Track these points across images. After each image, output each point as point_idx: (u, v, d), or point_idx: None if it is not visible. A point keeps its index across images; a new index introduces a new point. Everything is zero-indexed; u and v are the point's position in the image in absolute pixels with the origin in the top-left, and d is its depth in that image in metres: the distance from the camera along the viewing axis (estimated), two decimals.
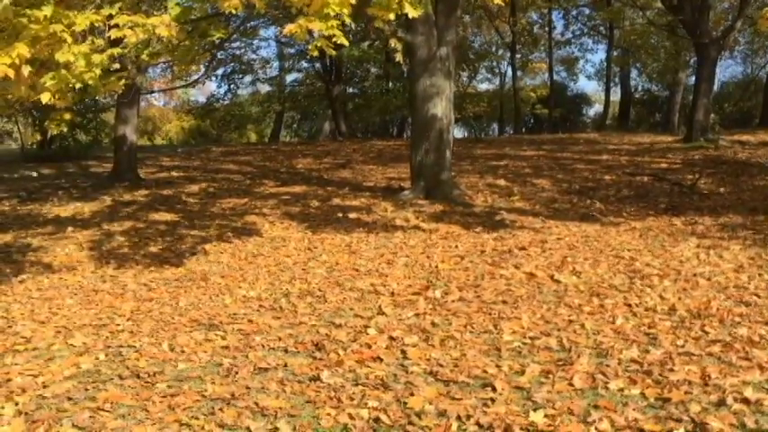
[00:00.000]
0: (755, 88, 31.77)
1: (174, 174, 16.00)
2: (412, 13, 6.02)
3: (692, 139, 16.81)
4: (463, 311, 5.31)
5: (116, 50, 4.96)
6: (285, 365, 4.26)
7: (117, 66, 5.98)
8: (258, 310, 5.64)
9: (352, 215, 10.06)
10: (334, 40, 6.99)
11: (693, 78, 32.97)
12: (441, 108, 11.00)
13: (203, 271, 7.17)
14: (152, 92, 14.24)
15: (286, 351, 4.55)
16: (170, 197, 12.42)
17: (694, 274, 6.16)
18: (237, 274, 6.94)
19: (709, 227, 8.41)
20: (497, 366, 4.10)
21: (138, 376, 4.17)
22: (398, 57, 8.74)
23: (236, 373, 4.14)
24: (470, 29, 29.77)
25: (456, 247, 7.86)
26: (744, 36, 28.47)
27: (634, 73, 33.69)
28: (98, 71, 4.74)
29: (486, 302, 5.56)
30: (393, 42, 8.45)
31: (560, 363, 4.13)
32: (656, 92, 34.71)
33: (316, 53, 6.99)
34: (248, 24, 24.61)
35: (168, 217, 10.52)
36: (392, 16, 6.50)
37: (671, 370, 3.93)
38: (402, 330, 4.86)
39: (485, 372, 4.02)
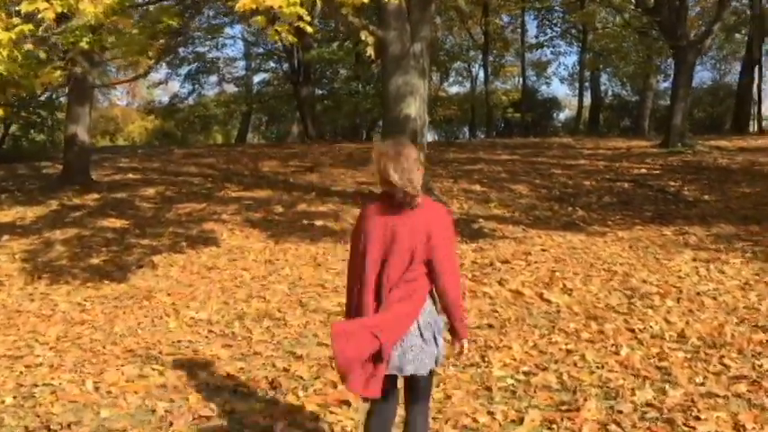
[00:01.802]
0: (724, 94, 31.82)
1: (131, 176, 15.01)
2: None
3: (670, 144, 16.38)
4: (444, 338, 4.59)
5: (26, 27, 4.14)
6: (231, 412, 3.50)
7: (44, 55, 5.15)
8: (207, 337, 4.86)
9: (319, 222, 9.30)
10: (297, 25, 6.29)
11: (663, 83, 33.16)
12: (414, 108, 10.30)
13: (148, 287, 6.35)
14: (103, 86, 13.23)
15: (235, 392, 3.79)
16: (123, 201, 11.50)
17: (698, 293, 5.55)
18: (187, 292, 6.14)
19: (702, 237, 7.84)
20: (489, 413, 3.40)
21: (49, 429, 3.37)
22: (369, 51, 8.01)
23: (171, 424, 3.37)
24: (441, 30, 29.22)
25: None
26: (714, 42, 28.37)
27: (604, 77, 33.55)
28: (5, 52, 3.92)
29: (469, 327, 4.85)
30: (364, 35, 7.72)
31: (564, 407, 3.45)
32: (626, 96, 34.62)
33: (276, 38, 6.27)
34: (210, 20, 23.82)
35: (118, 223, 9.63)
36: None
37: (697, 418, 3.28)
38: None
39: (475, 421, 3.32)
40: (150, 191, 12.65)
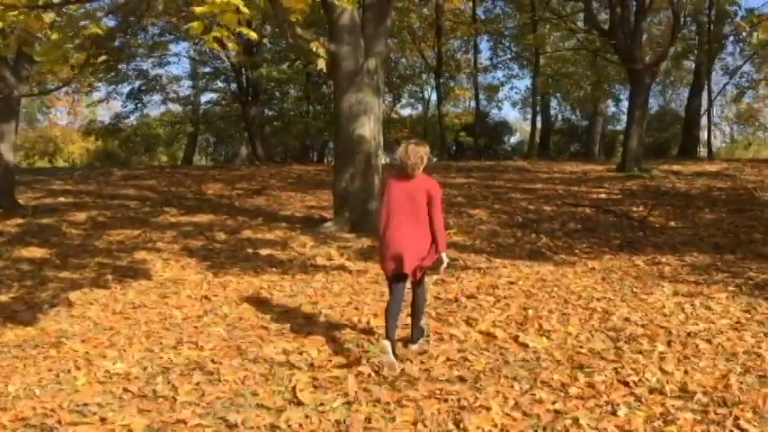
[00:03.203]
0: (671, 119, 32.29)
1: (62, 199, 13.89)
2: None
3: (626, 168, 16.16)
4: (409, 397, 3.87)
5: None
6: None
7: None
8: (121, 398, 4.01)
9: (265, 251, 8.49)
10: (238, 32, 5.57)
11: (612, 108, 33.50)
12: (368, 128, 9.63)
13: (59, 332, 5.42)
14: (23, 95, 12.17)
15: None
16: (48, 227, 10.44)
17: (688, 334, 4.96)
18: (105, 337, 5.24)
19: (677, 268, 7.33)
20: None
21: None
22: (321, 64, 7.32)
23: None
24: (394, 52, 28.84)
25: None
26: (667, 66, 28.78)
27: (554, 102, 33.72)
28: None
29: (438, 380, 4.14)
30: (315, 46, 7.03)
31: None
32: (576, 121, 34.86)
33: (215, 46, 5.53)
34: (155, 37, 22.82)
35: (39, 253, 8.62)
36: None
37: None
38: None
39: None
40: (81, 216, 11.62)
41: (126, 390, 4.12)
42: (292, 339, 5.09)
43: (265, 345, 4.96)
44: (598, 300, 6.01)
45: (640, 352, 4.59)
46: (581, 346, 4.72)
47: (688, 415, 3.53)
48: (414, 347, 4.77)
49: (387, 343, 4.39)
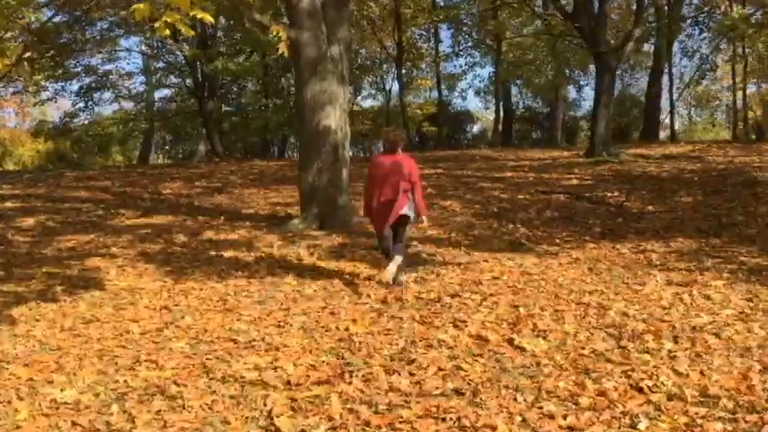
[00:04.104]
0: (630, 104, 32.41)
1: (9, 204, 13.05)
2: None
3: (595, 153, 15.96)
4: (402, 419, 3.41)
5: None
6: None
7: None
8: None
9: (229, 253, 7.93)
10: (193, 15, 5.03)
11: (572, 94, 33.50)
12: (334, 119, 9.12)
13: None
14: None
15: None
16: None
17: (693, 328, 4.62)
18: (52, 359, 4.65)
19: (664, 254, 7.03)
20: None
21: None
22: (282, 48, 6.79)
23: None
24: (354, 43, 28.27)
25: (368, 296, 5.95)
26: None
27: (515, 90, 33.54)
28: None
29: (432, 395, 3.69)
30: (275, 30, 6.50)
31: None
32: (537, 108, 34.78)
33: (167, 33, 4.97)
34: (103, 32, 21.84)
35: None
36: None
37: None
38: None
39: None
40: (29, 221, 10.88)
41: (75, 423, 3.58)
42: (264, 352, 4.59)
43: (234, 360, 4.44)
44: (590, 293, 5.64)
45: (647, 351, 4.21)
46: (582, 347, 4.33)
47: (718, 425, 3.16)
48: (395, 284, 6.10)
49: (390, 269, 5.99)
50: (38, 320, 5.62)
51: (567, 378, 3.83)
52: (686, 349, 4.23)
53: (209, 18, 5.02)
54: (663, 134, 27.48)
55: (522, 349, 4.35)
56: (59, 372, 4.41)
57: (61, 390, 4.08)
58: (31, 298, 6.29)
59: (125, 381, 4.19)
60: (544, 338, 4.54)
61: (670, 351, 4.19)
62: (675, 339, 4.40)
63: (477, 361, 4.18)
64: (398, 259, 5.98)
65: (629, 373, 3.86)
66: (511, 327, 4.82)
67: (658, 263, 6.69)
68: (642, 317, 4.91)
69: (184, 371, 4.32)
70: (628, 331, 4.58)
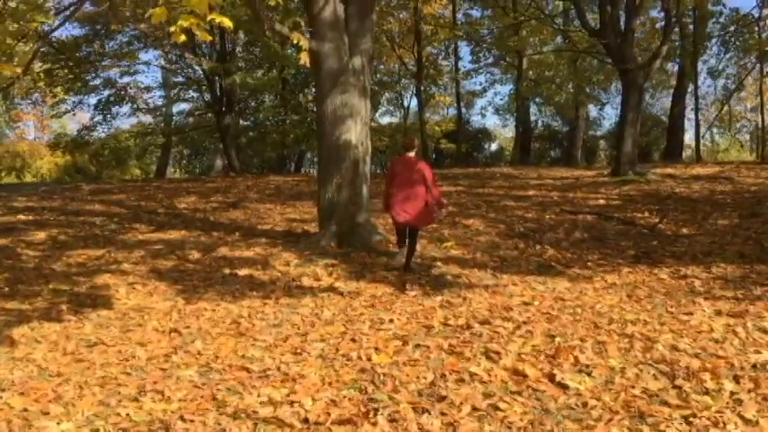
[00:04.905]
0: (652, 124, 31.88)
1: (22, 217, 12.82)
2: None
3: (620, 172, 15.49)
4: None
5: None
6: None
7: None
8: None
9: (243, 272, 7.57)
10: (211, 20, 4.71)
11: (593, 113, 33.00)
12: (355, 133, 8.78)
13: None
14: None
15: None
16: (1, 249, 9.42)
17: (754, 366, 4.16)
18: (50, 387, 4.29)
19: (708, 281, 6.57)
20: None
21: None
22: (303, 58, 6.47)
23: None
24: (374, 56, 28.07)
25: (390, 321, 5.55)
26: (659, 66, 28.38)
27: (534, 108, 33.13)
28: None
29: None
30: (296, 38, 6.18)
31: None
32: (556, 127, 34.35)
33: (183, 38, 4.65)
34: (123, 46, 21.79)
35: None
36: None
37: None
38: None
39: None
40: (41, 234, 10.61)
41: None
42: (279, 383, 4.19)
43: (247, 392, 4.06)
44: (633, 323, 5.19)
45: (707, 392, 3.77)
46: (632, 386, 3.89)
47: None
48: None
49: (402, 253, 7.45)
50: (39, 342, 5.27)
51: (621, 423, 3.40)
52: (749, 391, 3.78)
53: (227, 22, 4.69)
54: (684, 154, 26.92)
55: (565, 387, 3.92)
56: (57, 402, 4.04)
57: (57, 423, 3.72)
58: (34, 317, 5.95)
59: (127, 414, 3.81)
60: (588, 375, 4.11)
61: (732, 393, 3.74)
62: (736, 379, 3.95)
63: (515, 400, 3.76)
64: (411, 248, 7.34)
65: (690, 419, 3.42)
66: (549, 360, 4.39)
67: (702, 290, 6.23)
68: (694, 351, 4.46)
69: (192, 403, 3.93)
70: (681, 368, 4.14)
